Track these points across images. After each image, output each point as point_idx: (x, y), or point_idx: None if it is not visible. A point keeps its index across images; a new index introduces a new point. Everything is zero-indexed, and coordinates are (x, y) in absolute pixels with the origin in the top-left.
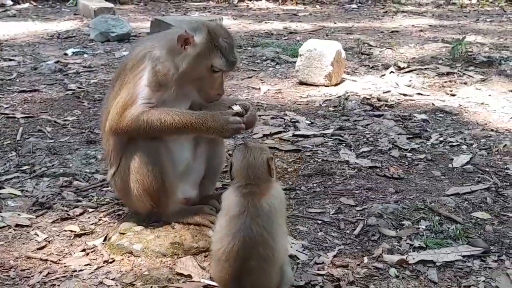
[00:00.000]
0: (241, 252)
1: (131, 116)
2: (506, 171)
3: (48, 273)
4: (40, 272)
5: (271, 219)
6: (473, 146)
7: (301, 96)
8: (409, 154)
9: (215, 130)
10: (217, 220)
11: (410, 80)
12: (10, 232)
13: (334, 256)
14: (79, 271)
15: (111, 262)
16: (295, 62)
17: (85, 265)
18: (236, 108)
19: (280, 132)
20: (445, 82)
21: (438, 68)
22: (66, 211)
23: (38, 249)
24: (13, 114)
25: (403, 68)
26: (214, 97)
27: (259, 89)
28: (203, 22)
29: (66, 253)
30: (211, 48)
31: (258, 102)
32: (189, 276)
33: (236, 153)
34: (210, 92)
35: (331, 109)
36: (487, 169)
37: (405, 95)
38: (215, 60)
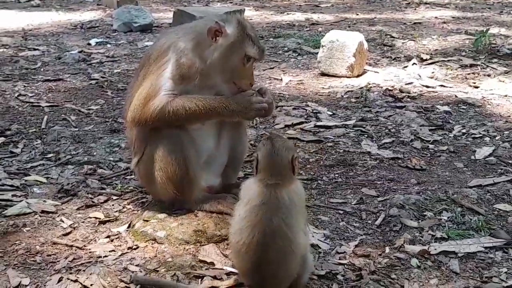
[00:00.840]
0: (261, 243)
1: (156, 108)
2: None
3: (74, 258)
4: (66, 258)
5: (290, 213)
6: (496, 138)
7: (323, 87)
8: (431, 146)
9: (239, 112)
10: (236, 210)
11: (432, 72)
12: (36, 218)
13: (356, 246)
14: (103, 257)
15: (135, 249)
16: (317, 53)
17: (109, 251)
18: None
19: (302, 123)
20: (468, 74)
21: (461, 60)
22: (91, 198)
23: (64, 235)
24: (38, 102)
25: (426, 59)
26: (246, 87)
27: (281, 79)
28: (229, 13)
29: (91, 239)
30: (244, 37)
31: (280, 93)
32: (212, 263)
33: (262, 149)
34: (242, 82)
35: (353, 100)
36: (510, 161)
37: (427, 86)
38: (248, 48)
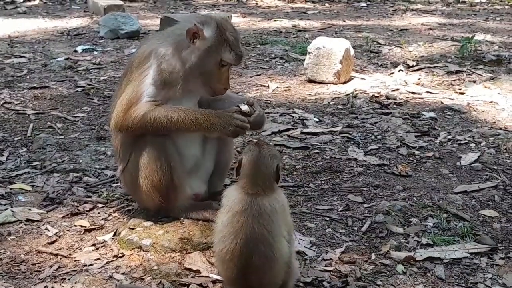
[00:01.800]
0: (244, 250)
1: (137, 115)
2: None
3: (59, 267)
4: (51, 266)
5: (271, 219)
6: (482, 144)
7: (310, 94)
8: (417, 152)
9: (219, 126)
10: (218, 217)
11: (419, 78)
12: (21, 227)
13: (342, 253)
14: (89, 265)
15: (120, 257)
16: (303, 60)
17: (95, 259)
18: (244, 108)
19: (288, 130)
20: (454, 80)
21: (447, 66)
22: (76, 206)
23: (49, 243)
24: (23, 110)
25: (412, 66)
26: (220, 91)
27: (268, 86)
28: (210, 15)
29: (76, 248)
30: (221, 42)
31: (267, 100)
32: (198, 271)
33: (248, 154)
34: (217, 86)
35: (339, 106)
36: (495, 167)
37: (413, 93)
38: (224, 54)
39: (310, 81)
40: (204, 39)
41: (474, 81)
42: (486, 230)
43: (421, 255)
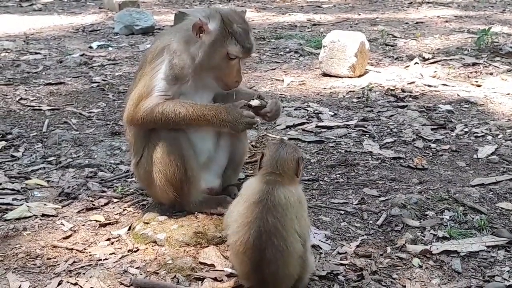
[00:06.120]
0: (257, 243)
1: (146, 108)
2: None
3: (74, 261)
4: (66, 261)
5: (285, 212)
6: (499, 136)
7: (325, 88)
8: (433, 145)
9: (228, 123)
10: (234, 207)
11: (435, 71)
12: (37, 222)
13: (357, 246)
14: (104, 259)
15: (135, 251)
16: (318, 53)
17: (109, 254)
18: (255, 102)
19: (303, 123)
20: (471, 72)
21: (463, 58)
22: (91, 201)
23: (64, 238)
24: (39, 106)
25: (428, 59)
26: (232, 84)
27: (283, 80)
28: (216, 8)
29: (91, 242)
30: (225, 35)
31: (281, 94)
32: (212, 265)
33: (271, 146)
34: (228, 80)
35: (354, 100)
36: None
37: (429, 86)
38: (230, 47)
39: (325, 74)
40: (209, 33)
41: (491, 73)
42: (504, 223)
43: (437, 248)
